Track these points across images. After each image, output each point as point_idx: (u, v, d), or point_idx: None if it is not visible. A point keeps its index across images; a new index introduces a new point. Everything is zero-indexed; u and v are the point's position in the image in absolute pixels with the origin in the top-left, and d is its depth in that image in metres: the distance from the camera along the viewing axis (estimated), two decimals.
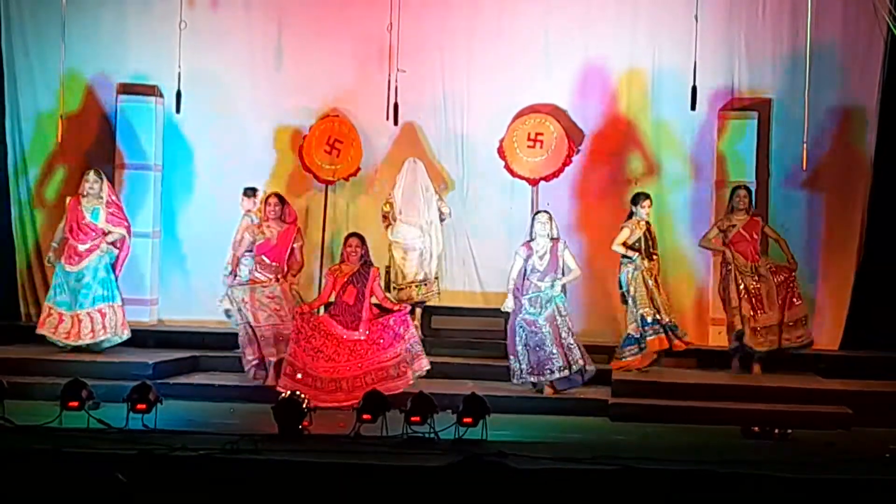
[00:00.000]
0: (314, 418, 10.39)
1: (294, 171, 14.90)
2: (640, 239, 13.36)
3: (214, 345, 13.76)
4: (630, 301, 13.36)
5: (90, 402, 10.57)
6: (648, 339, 13.26)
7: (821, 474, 9.01)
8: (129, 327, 13.57)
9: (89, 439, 9.65)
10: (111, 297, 13.45)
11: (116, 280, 13.55)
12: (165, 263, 15.13)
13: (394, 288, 14.01)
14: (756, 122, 14.41)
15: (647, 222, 13.49)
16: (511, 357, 12.66)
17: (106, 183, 13.60)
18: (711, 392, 12.50)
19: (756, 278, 13.39)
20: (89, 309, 13.33)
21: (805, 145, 12.99)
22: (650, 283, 13.31)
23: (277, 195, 13.14)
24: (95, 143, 15.05)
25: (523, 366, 12.58)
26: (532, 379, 12.59)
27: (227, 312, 13.44)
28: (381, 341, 12.33)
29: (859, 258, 14.38)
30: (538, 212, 13.03)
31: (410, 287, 14.05)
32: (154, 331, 14.65)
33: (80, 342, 13.33)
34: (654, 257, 13.48)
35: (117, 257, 13.58)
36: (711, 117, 14.50)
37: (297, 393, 10.66)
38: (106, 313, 13.39)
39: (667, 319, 13.26)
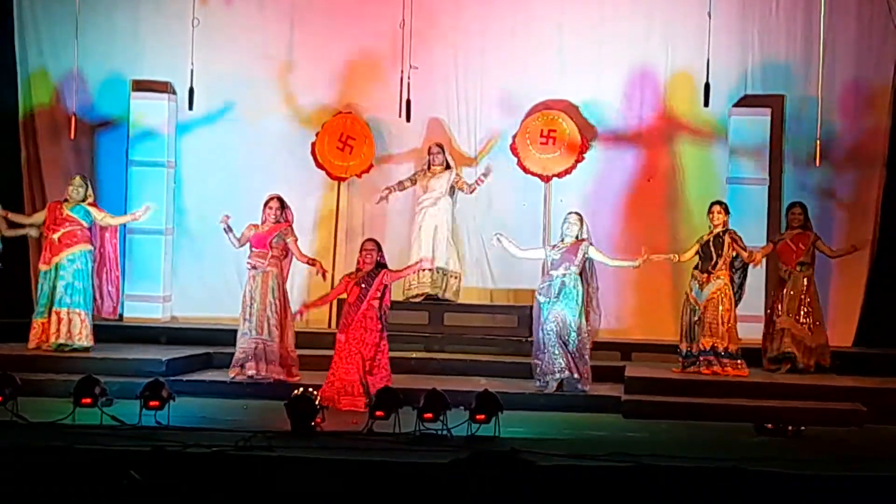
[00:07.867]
0: (326, 415, 10.41)
1: (306, 169, 14.90)
2: (700, 251, 13.05)
3: (227, 341, 13.74)
4: None
5: (103, 398, 10.61)
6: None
7: (834, 471, 9.01)
8: (94, 338, 13.32)
9: (102, 436, 9.70)
10: (85, 305, 13.25)
11: (91, 288, 13.37)
12: (178, 260, 15.14)
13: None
14: (769, 118, 14.38)
15: (717, 234, 12.96)
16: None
17: (90, 190, 13.49)
18: (724, 389, 12.46)
19: (783, 283, 13.32)
20: (66, 309, 13.14)
21: (818, 142, 12.98)
22: (687, 303, 13.05)
23: (279, 198, 12.89)
24: (107, 141, 15.09)
25: (542, 363, 12.51)
26: (543, 378, 12.50)
27: None
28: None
29: (873, 255, 14.33)
30: (569, 212, 12.85)
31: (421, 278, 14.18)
32: (167, 327, 14.66)
33: (50, 342, 13.11)
34: (701, 271, 12.92)
35: (97, 260, 13.44)
36: (724, 114, 14.47)
37: (310, 389, 10.67)
38: (72, 319, 13.16)
39: (695, 348, 12.91)
